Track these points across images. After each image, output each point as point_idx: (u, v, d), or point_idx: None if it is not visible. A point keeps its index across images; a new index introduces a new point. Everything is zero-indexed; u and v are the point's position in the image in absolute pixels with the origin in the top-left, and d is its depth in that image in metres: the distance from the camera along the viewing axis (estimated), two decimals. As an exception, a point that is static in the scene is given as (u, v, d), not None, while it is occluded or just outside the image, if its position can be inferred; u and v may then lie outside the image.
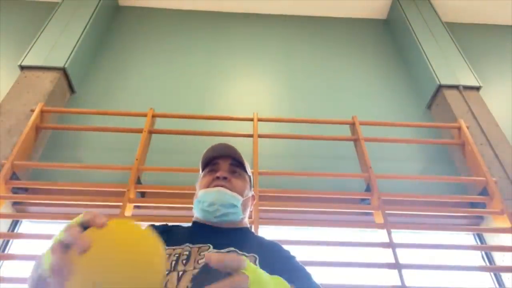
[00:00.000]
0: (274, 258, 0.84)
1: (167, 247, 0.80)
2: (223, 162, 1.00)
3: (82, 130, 2.30)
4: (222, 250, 0.81)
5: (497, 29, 3.42)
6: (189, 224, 0.99)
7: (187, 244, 0.83)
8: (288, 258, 0.88)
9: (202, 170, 1.03)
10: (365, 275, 1.79)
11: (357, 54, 3.10)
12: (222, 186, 0.93)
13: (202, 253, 0.79)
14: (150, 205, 1.93)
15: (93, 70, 2.77)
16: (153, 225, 0.96)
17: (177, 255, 0.79)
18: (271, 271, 0.78)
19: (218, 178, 0.95)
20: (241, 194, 0.96)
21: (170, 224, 0.99)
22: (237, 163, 1.01)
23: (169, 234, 0.90)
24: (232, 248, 0.82)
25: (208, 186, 0.95)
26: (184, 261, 0.77)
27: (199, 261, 0.77)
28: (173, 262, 0.77)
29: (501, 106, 2.72)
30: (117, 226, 0.51)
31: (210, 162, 1.02)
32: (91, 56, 2.83)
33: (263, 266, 0.76)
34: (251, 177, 1.06)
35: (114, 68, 2.80)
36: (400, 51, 3.17)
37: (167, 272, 0.73)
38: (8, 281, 1.58)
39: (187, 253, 0.80)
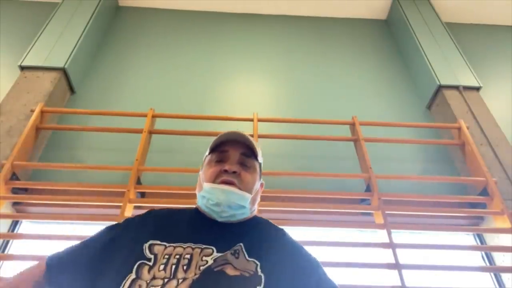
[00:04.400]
0: (293, 268, 0.80)
1: (167, 244, 0.78)
2: (233, 152, 0.91)
3: (82, 130, 2.30)
4: (227, 251, 0.78)
5: (497, 29, 3.42)
6: (193, 208, 0.93)
7: (189, 244, 0.78)
8: (313, 271, 0.83)
9: (209, 154, 0.95)
10: (365, 275, 1.79)
11: (357, 55, 3.10)
12: (230, 183, 0.86)
13: (204, 258, 0.75)
14: (150, 205, 1.93)
15: (93, 70, 2.77)
16: (153, 210, 0.92)
17: (177, 256, 0.75)
18: (285, 279, 0.77)
19: (226, 171, 0.87)
20: (251, 189, 0.89)
21: (173, 208, 0.95)
22: (248, 152, 0.93)
23: (171, 222, 0.87)
24: (239, 245, 0.79)
25: (214, 179, 0.87)
26: (185, 267, 0.73)
27: (201, 268, 0.73)
28: (173, 267, 0.73)
29: (501, 106, 2.72)
30: None
31: (219, 147, 0.93)
32: (91, 56, 2.83)
33: (267, 272, 0.74)
34: (261, 164, 0.99)
35: (114, 68, 2.80)
36: (400, 51, 3.17)
37: (166, 279, 0.71)
38: (8, 281, 1.58)
39: (188, 256, 0.75)
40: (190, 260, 0.74)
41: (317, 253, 1.72)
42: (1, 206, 1.78)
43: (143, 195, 1.99)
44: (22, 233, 1.95)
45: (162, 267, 0.73)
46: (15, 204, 1.96)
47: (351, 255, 1.86)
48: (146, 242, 0.78)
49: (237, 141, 0.93)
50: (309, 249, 0.90)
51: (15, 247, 1.87)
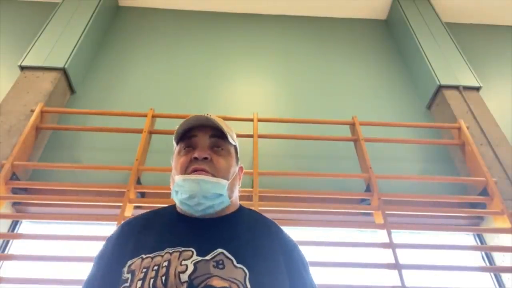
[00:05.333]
0: (288, 266, 0.76)
1: (144, 256, 0.72)
2: (202, 136, 0.84)
3: (82, 130, 2.30)
4: (207, 257, 0.70)
5: (497, 29, 3.42)
6: (171, 207, 0.88)
7: (167, 249, 0.71)
8: (301, 274, 0.79)
9: (177, 144, 0.87)
10: (365, 275, 1.79)
11: (357, 55, 3.10)
12: (202, 170, 0.79)
13: (183, 262, 0.68)
14: (150, 205, 1.93)
15: (93, 70, 2.77)
16: (125, 222, 0.86)
17: (156, 268, 0.68)
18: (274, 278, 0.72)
19: (196, 159, 0.80)
20: (226, 175, 0.82)
21: (147, 212, 0.89)
22: (219, 134, 0.84)
23: (146, 229, 0.80)
24: (219, 251, 0.71)
25: (185, 170, 0.80)
26: (163, 278, 0.66)
27: (181, 275, 0.66)
28: (151, 281, 0.66)
29: (501, 106, 2.72)
30: None
31: (186, 135, 0.85)
32: (91, 56, 2.83)
33: (255, 283, 0.67)
34: (237, 146, 0.91)
35: (114, 68, 2.80)
36: (400, 51, 3.16)
37: None
38: (8, 281, 1.58)
39: (166, 263, 0.68)
40: (168, 268, 0.68)
41: (317, 253, 1.73)
42: (1, 206, 1.78)
43: (143, 195, 1.99)
44: (22, 233, 1.94)
45: (139, 283, 0.67)
46: (15, 204, 1.96)
47: (351, 255, 1.86)
48: (124, 266, 0.72)
49: (204, 125, 0.85)
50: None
51: (15, 247, 1.87)
